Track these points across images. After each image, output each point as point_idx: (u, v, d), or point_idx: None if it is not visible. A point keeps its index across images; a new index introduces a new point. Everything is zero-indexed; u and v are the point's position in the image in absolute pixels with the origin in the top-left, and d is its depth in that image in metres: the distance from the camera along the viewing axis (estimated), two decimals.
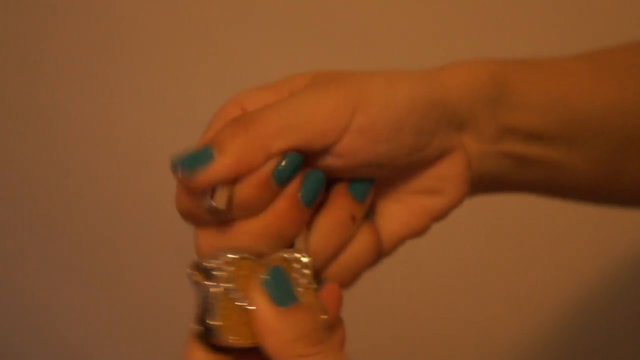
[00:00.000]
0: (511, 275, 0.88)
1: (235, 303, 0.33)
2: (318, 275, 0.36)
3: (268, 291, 0.32)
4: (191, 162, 0.32)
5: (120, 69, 0.87)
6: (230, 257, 0.33)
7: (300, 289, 0.34)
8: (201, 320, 0.33)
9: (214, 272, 0.33)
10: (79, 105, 0.88)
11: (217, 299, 0.33)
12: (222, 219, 0.34)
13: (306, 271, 0.35)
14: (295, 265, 0.34)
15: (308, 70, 0.39)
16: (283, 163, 0.33)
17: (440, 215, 0.40)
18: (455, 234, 0.87)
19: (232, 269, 0.33)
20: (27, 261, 0.94)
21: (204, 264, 0.33)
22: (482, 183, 0.41)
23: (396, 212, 0.39)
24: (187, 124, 0.86)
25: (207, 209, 0.32)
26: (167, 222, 0.89)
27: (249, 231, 0.34)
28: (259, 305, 0.32)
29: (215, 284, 0.33)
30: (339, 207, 0.36)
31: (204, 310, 0.33)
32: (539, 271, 0.88)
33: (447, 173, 0.38)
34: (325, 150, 0.35)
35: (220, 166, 0.32)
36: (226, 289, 0.33)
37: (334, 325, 0.35)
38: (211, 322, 0.33)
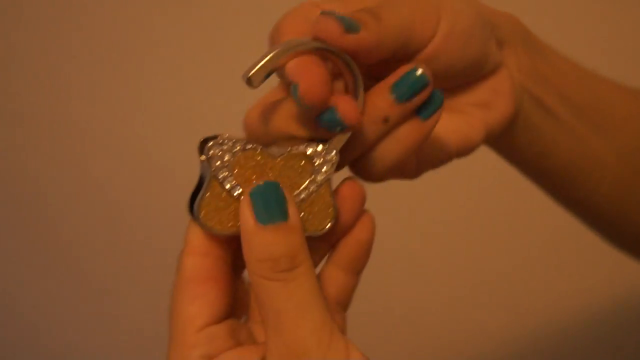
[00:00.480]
0: (512, 277, 0.88)
1: (225, 190, 0.33)
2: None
3: (253, 204, 0.32)
4: (346, 23, 0.34)
5: (122, 70, 0.87)
6: (232, 143, 0.33)
7: (313, 187, 0.34)
8: (191, 200, 0.33)
9: (214, 156, 0.33)
10: (80, 106, 0.88)
11: (210, 183, 0.33)
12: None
13: (326, 168, 0.34)
14: (317, 161, 0.34)
15: None
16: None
17: (493, 128, 0.42)
18: (455, 233, 0.87)
19: (230, 157, 0.33)
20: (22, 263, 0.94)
21: (207, 144, 0.33)
22: (520, 120, 0.43)
23: (454, 121, 0.41)
24: (187, 124, 0.86)
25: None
26: (166, 223, 0.89)
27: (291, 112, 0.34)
28: (243, 215, 0.32)
29: (214, 166, 0.33)
30: (373, 105, 0.36)
31: (196, 191, 0.33)
32: (540, 274, 0.88)
33: (498, 88, 0.41)
34: (412, 55, 0.37)
35: (363, 39, 0.34)
36: (221, 175, 0.33)
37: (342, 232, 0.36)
38: (195, 204, 0.33)
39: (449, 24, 0.37)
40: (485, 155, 0.47)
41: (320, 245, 0.36)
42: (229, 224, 0.33)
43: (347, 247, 0.36)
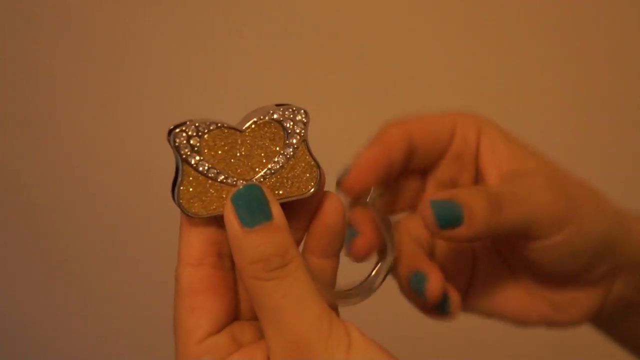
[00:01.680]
0: None
1: (200, 173, 0.33)
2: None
3: (236, 209, 0.32)
4: (446, 219, 0.37)
5: (123, 71, 0.87)
6: (196, 127, 0.33)
7: (289, 151, 0.34)
8: (172, 190, 0.33)
9: (180, 143, 0.33)
10: (74, 108, 0.88)
11: (183, 170, 0.33)
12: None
13: (298, 128, 0.34)
14: (287, 124, 0.34)
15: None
16: None
17: (548, 324, 0.43)
18: None
19: (198, 141, 0.33)
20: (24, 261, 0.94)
21: (173, 132, 0.33)
22: (603, 317, 0.43)
23: (517, 297, 0.43)
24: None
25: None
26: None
27: None
28: (228, 221, 0.32)
29: (183, 152, 0.33)
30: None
31: (175, 181, 0.33)
32: None
33: (581, 300, 0.42)
34: (536, 236, 0.39)
35: (462, 234, 0.37)
36: (193, 160, 0.33)
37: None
38: (175, 193, 0.33)
39: (572, 232, 0.39)
40: None
41: (295, 229, 0.36)
42: (213, 207, 0.33)
43: (317, 233, 0.35)
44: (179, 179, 0.33)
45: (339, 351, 0.30)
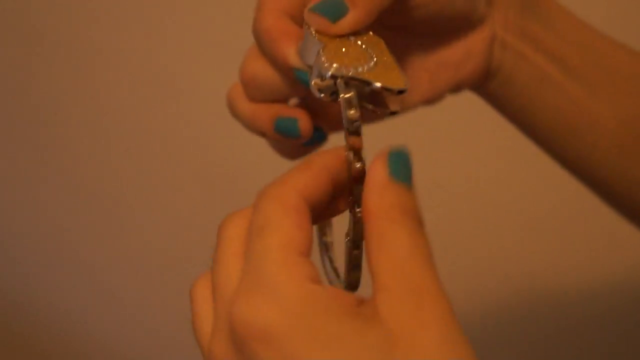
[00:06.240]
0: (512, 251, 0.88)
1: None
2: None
3: (390, 162, 0.32)
4: (330, 12, 0.37)
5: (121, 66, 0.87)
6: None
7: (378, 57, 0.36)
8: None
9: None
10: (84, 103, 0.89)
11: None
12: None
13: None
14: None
15: None
16: None
17: (460, 87, 0.44)
18: (456, 231, 0.87)
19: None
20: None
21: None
22: (500, 76, 0.44)
23: (417, 80, 0.43)
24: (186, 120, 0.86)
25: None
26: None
27: None
28: (375, 168, 0.32)
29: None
30: None
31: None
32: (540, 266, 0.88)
33: (472, 49, 0.43)
34: (404, 3, 0.40)
35: (355, 20, 0.37)
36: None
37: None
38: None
39: None
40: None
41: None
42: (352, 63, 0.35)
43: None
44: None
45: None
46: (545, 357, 0.90)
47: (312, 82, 0.35)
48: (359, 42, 0.36)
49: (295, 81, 0.38)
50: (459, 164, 0.85)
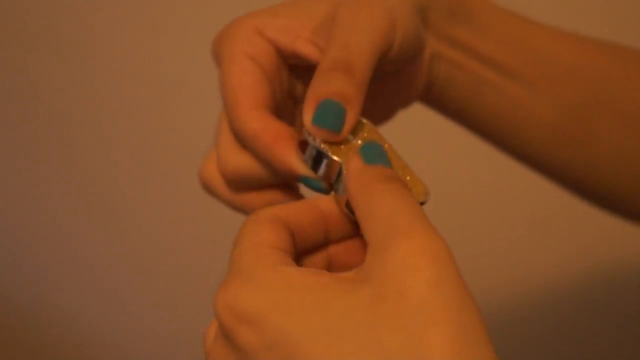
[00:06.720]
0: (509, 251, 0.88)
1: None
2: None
3: (363, 154, 0.34)
4: (333, 123, 0.35)
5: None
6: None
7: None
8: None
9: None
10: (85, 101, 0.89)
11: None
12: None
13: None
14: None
15: None
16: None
17: (405, 106, 0.45)
18: (454, 231, 0.87)
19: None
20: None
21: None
22: (437, 84, 0.45)
23: (374, 107, 0.42)
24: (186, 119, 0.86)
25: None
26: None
27: None
28: (351, 162, 0.34)
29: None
30: None
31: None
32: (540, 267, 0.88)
33: (420, 68, 0.43)
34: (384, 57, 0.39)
35: (353, 118, 0.36)
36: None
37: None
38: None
39: (403, 34, 0.39)
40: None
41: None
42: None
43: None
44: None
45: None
46: (545, 357, 0.90)
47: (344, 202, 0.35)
48: (360, 142, 0.36)
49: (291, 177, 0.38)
50: (459, 164, 0.85)
